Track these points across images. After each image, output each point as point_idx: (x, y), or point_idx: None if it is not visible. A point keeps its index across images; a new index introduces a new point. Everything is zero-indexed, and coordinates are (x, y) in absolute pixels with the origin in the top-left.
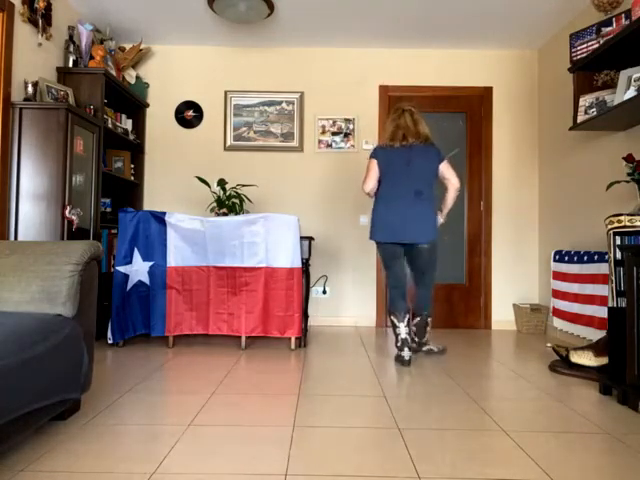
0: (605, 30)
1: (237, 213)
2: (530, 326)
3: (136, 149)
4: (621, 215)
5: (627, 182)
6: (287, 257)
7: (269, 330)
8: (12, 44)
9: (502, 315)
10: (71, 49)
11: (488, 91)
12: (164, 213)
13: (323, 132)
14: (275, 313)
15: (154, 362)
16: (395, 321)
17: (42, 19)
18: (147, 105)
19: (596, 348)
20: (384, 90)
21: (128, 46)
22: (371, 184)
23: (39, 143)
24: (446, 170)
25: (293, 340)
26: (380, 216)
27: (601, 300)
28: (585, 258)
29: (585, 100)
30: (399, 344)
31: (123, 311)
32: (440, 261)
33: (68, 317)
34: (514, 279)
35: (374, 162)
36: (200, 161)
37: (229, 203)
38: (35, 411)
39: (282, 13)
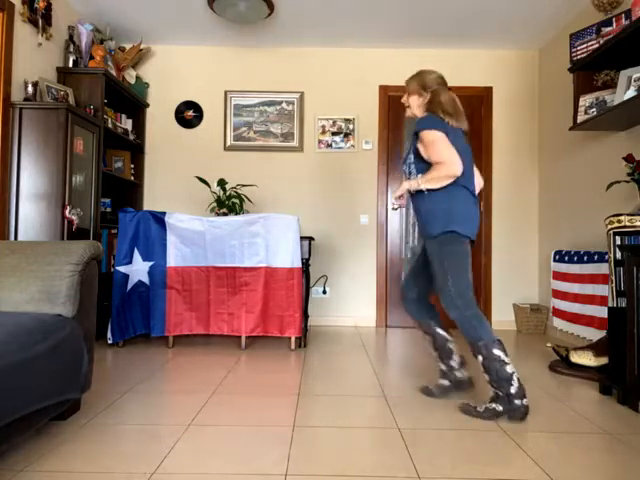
0: (605, 30)
1: (237, 213)
2: (530, 326)
3: (136, 149)
4: (621, 215)
5: (627, 182)
6: (287, 257)
7: (269, 330)
8: (12, 44)
9: (502, 315)
10: (71, 49)
11: (488, 91)
12: (164, 213)
13: (323, 132)
14: (275, 313)
15: (154, 362)
16: (503, 355)
17: (42, 19)
18: (147, 105)
19: (596, 348)
20: (384, 90)
21: (128, 46)
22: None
23: (39, 143)
24: None
25: (293, 340)
26: (469, 203)
27: (601, 300)
28: (585, 258)
29: (585, 100)
30: (518, 389)
31: (123, 311)
32: None
33: (68, 317)
34: (514, 279)
35: (445, 137)
36: (200, 161)
37: (229, 203)
38: (35, 411)
39: (282, 13)
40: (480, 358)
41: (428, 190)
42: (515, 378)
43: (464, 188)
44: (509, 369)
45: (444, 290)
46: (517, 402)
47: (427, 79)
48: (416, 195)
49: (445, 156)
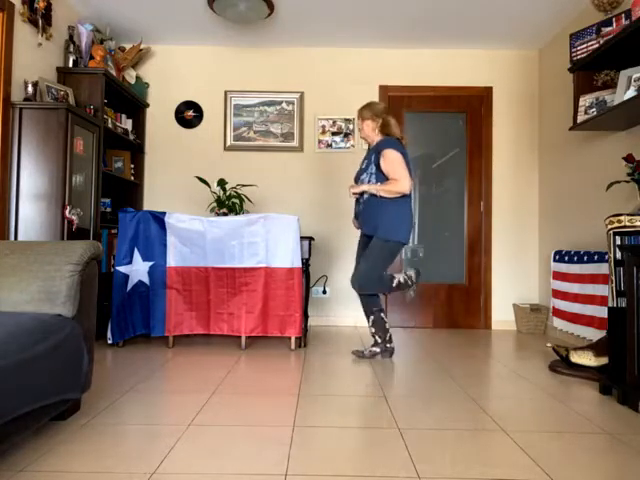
0: (605, 30)
1: (237, 213)
2: (530, 326)
3: (136, 149)
4: (621, 215)
5: (627, 182)
6: (287, 257)
7: (269, 330)
8: (12, 44)
9: (502, 315)
10: (71, 49)
11: (488, 91)
12: (164, 213)
13: (323, 132)
14: (275, 313)
15: (154, 362)
16: (385, 317)
17: (42, 19)
18: (147, 105)
19: (596, 348)
20: (384, 90)
21: (128, 46)
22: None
23: (39, 143)
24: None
25: (293, 340)
26: (409, 216)
27: (601, 300)
28: (585, 258)
29: (585, 100)
30: (389, 337)
31: (123, 311)
32: (440, 261)
33: (68, 317)
34: (514, 279)
35: (402, 158)
36: (200, 161)
37: (229, 203)
38: (35, 411)
39: (282, 13)
40: (372, 317)
41: (381, 197)
42: (389, 331)
43: (408, 199)
44: (387, 325)
45: (365, 270)
46: (388, 345)
47: (377, 109)
48: (368, 198)
49: (401, 175)
